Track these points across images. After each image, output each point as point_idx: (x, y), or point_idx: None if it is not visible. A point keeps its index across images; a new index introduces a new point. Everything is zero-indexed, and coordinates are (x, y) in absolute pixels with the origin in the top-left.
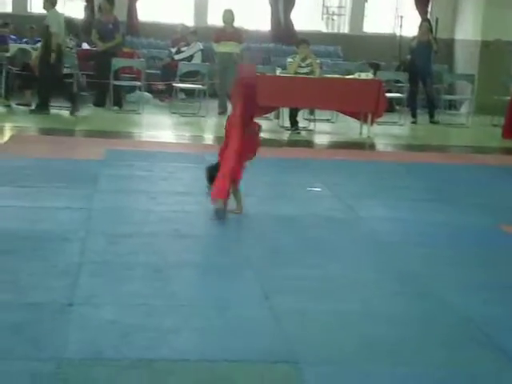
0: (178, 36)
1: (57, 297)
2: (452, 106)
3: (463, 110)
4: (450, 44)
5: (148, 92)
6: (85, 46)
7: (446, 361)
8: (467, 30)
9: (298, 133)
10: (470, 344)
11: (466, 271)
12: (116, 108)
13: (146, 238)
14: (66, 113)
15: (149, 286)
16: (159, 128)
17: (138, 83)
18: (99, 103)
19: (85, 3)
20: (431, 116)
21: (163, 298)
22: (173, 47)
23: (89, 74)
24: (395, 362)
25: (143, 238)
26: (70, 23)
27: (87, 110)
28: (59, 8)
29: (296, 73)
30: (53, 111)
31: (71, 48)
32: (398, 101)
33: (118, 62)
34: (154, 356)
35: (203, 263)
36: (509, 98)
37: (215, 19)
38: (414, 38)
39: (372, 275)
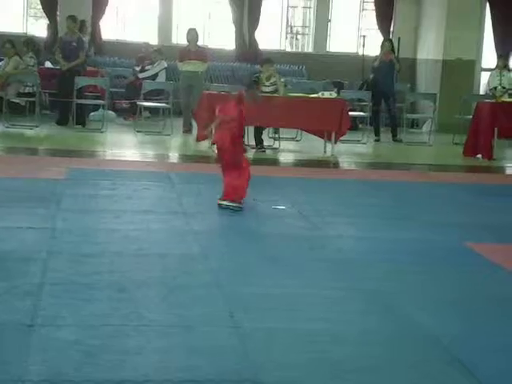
0: (142, 54)
1: (18, 317)
2: (414, 124)
3: (425, 128)
4: (412, 63)
5: (112, 110)
6: (47, 64)
7: (414, 381)
8: (429, 50)
9: (263, 151)
10: (438, 364)
11: (433, 289)
12: (79, 126)
13: (110, 257)
14: (28, 131)
15: (112, 307)
16: (123, 146)
17: (101, 102)
18: (62, 122)
19: (47, 22)
20: (394, 134)
21: (127, 318)
22: (137, 65)
23: (51, 93)
24: (361, 383)
25: (107, 257)
26: (31, 41)
27: (50, 129)
28: (22, 26)
29: (260, 92)
30: (15, 130)
31: (32, 66)
32: (362, 119)
33: (81, 81)
34: (118, 377)
35: (168, 282)
36: (470, 116)
37: (180, 38)
38: (377, 57)
39: (338, 293)
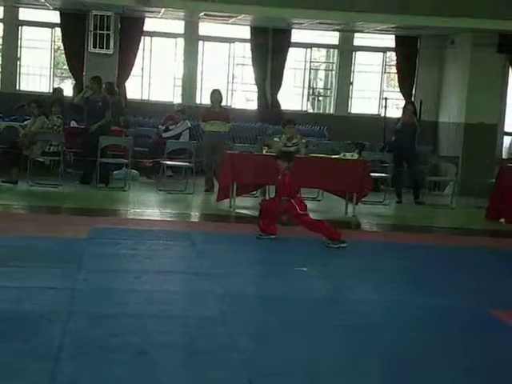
0: (171, 114)
1: (36, 381)
2: (436, 187)
3: (447, 191)
4: (434, 126)
5: (135, 169)
6: (73, 123)
7: None
8: (451, 113)
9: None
10: None
11: (454, 357)
12: (102, 185)
13: (130, 318)
14: (52, 189)
15: (132, 370)
16: (145, 205)
17: (125, 161)
18: (86, 180)
19: (73, 82)
20: (416, 196)
21: (146, 382)
22: (162, 125)
23: (76, 152)
24: None
25: (127, 318)
26: (58, 101)
27: (74, 188)
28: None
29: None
30: (39, 188)
31: (58, 126)
32: (383, 181)
33: (105, 140)
34: None
35: (188, 346)
36: (493, 180)
37: (203, 98)
38: (399, 119)
39: (357, 360)
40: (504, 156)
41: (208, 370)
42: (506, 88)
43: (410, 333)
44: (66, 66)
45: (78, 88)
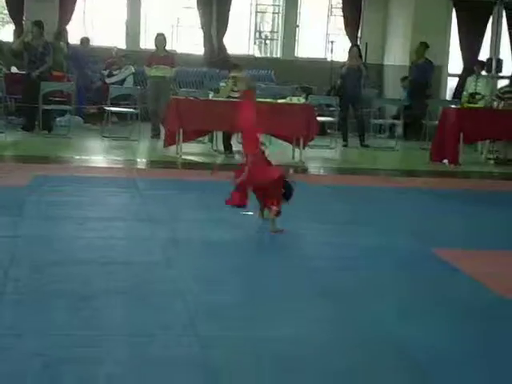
0: (112, 59)
1: None
2: (382, 130)
3: (392, 134)
4: (379, 69)
5: (79, 116)
6: (13, 69)
7: None
8: (396, 55)
9: (232, 156)
10: (398, 368)
11: (397, 294)
12: (45, 132)
13: (73, 265)
14: None
15: (74, 316)
16: (90, 152)
17: (68, 107)
18: (28, 128)
19: (14, 27)
20: (361, 140)
21: (88, 328)
22: (105, 70)
23: (17, 99)
24: None
25: (70, 265)
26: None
27: (16, 135)
28: None
29: (229, 97)
30: None
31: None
32: (330, 124)
33: (47, 86)
34: None
35: (131, 291)
36: (436, 122)
37: (148, 43)
38: (344, 63)
39: (300, 301)
40: (448, 98)
41: (151, 314)
42: (450, 29)
43: (352, 272)
44: (6, 11)
45: (18, 33)
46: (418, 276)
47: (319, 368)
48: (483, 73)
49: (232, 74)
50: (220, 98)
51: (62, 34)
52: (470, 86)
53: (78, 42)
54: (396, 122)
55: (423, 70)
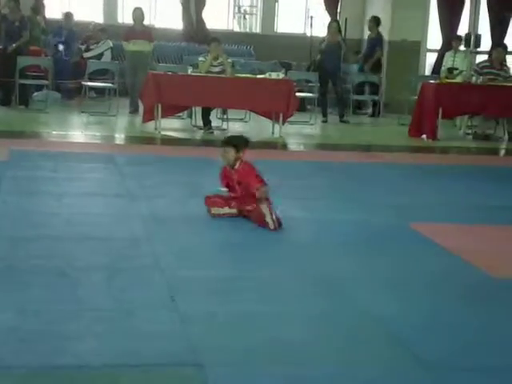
0: (89, 33)
1: None
2: (363, 105)
3: (371, 109)
4: (359, 44)
5: (56, 91)
6: None
7: (352, 360)
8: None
9: (211, 132)
10: (376, 342)
11: (375, 270)
12: (22, 107)
13: (51, 241)
14: None
15: (52, 291)
16: (67, 127)
17: (45, 82)
18: (5, 102)
19: None
20: (341, 115)
21: (66, 303)
22: (82, 45)
23: None
24: (300, 363)
25: (47, 241)
26: None
27: None
28: None
29: (208, 72)
30: None
31: None
32: (309, 100)
33: (23, 61)
34: (56, 363)
35: (110, 267)
36: (415, 97)
37: (125, 17)
38: (324, 38)
39: (283, 276)
40: (427, 73)
41: (130, 290)
42: (430, 4)
43: (331, 248)
44: None
45: None
46: (393, 250)
47: (296, 341)
48: (461, 48)
49: (211, 48)
50: (199, 73)
51: (39, 8)
52: (448, 61)
53: (56, 17)
54: (375, 97)
55: (374, 44)
